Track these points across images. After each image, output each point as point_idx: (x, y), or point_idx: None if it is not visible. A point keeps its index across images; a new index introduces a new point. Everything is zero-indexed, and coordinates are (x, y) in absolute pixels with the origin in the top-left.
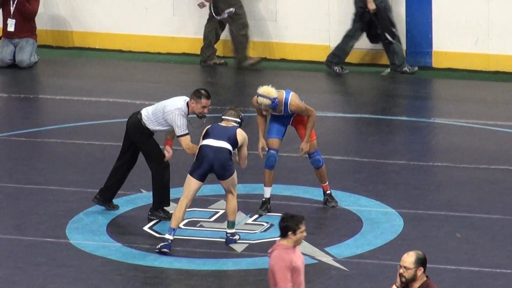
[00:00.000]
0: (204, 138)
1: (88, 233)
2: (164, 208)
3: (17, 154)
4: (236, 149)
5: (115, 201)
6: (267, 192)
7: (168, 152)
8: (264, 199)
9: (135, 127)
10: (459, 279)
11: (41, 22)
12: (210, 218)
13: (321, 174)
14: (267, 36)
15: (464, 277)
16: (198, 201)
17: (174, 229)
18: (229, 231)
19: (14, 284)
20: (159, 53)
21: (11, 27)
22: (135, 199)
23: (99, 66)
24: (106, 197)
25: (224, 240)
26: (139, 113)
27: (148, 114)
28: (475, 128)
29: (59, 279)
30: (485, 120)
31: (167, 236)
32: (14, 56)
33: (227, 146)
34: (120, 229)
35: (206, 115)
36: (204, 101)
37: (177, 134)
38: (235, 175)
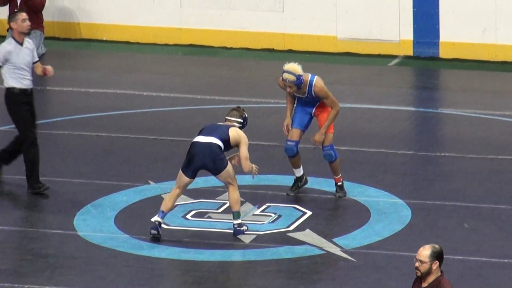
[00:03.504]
0: (197, 135)
1: (96, 225)
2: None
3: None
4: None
5: (123, 193)
6: (296, 172)
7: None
8: (295, 178)
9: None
10: (467, 269)
11: (48, 14)
12: (218, 209)
13: (334, 168)
14: (274, 27)
15: (472, 267)
16: (206, 192)
17: (163, 211)
18: (235, 222)
19: (22, 276)
20: (166, 45)
21: None
22: (142, 190)
23: (106, 58)
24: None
25: (232, 231)
26: None
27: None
28: (483, 118)
29: (67, 270)
30: (493, 110)
31: (155, 218)
32: None
33: (216, 141)
34: (128, 221)
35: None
36: (19, 15)
37: None
38: (229, 167)
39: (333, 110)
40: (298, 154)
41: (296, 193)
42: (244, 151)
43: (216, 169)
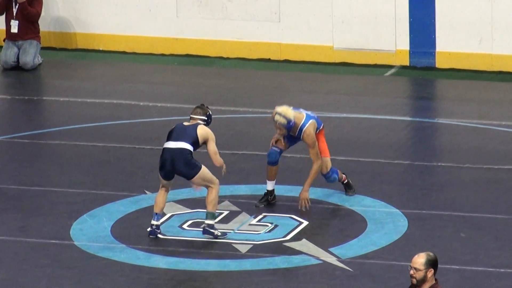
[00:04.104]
0: (166, 139)
1: (92, 235)
2: None
3: (21, 156)
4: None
5: (119, 202)
6: (269, 185)
7: None
8: (265, 192)
9: None
10: (463, 279)
11: (45, 24)
12: None
13: (339, 179)
14: (270, 37)
15: (468, 277)
16: (202, 202)
17: (157, 214)
18: (206, 221)
19: (19, 285)
20: (162, 55)
21: (14, 29)
22: (139, 200)
23: (103, 68)
24: None
25: (229, 240)
26: None
27: None
28: (479, 128)
29: (63, 280)
30: (489, 120)
31: (152, 222)
32: (18, 58)
33: (186, 146)
34: (124, 231)
35: None
36: None
37: None
38: (203, 171)
39: (314, 164)
40: (277, 165)
41: (265, 205)
42: (212, 147)
43: (188, 175)
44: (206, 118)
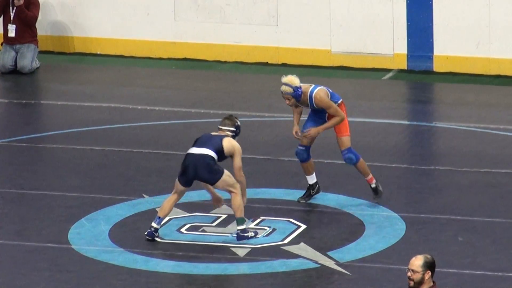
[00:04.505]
0: (191, 146)
1: (90, 238)
2: None
3: (19, 160)
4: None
5: (117, 206)
6: (309, 179)
7: None
8: (308, 186)
9: None
10: (461, 282)
11: (42, 28)
12: (212, 223)
13: (359, 169)
14: (268, 41)
15: (466, 281)
16: (200, 206)
17: (159, 217)
18: (238, 227)
19: None
20: (160, 58)
21: (11, 33)
22: (137, 204)
23: (101, 72)
24: None
25: (227, 244)
26: None
27: None
28: (477, 132)
29: (61, 284)
30: (487, 124)
31: (152, 224)
32: (15, 61)
33: (209, 152)
34: (122, 234)
35: None
36: None
37: None
38: (225, 175)
39: (335, 117)
40: (310, 160)
41: (307, 201)
42: (237, 162)
43: (212, 179)
44: (234, 129)
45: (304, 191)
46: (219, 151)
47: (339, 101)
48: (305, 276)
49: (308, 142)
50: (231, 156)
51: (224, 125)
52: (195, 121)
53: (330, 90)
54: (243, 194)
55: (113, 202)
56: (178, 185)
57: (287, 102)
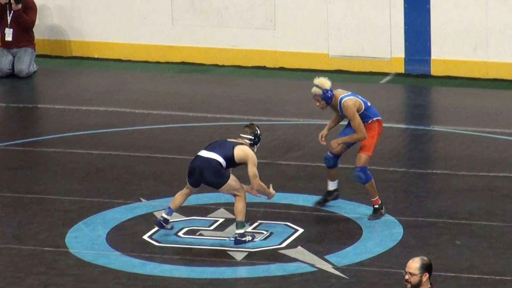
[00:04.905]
0: (203, 148)
1: (88, 242)
2: None
3: (16, 164)
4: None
5: (114, 210)
6: (329, 185)
7: None
8: (326, 192)
9: None
10: (458, 286)
11: (39, 31)
12: (209, 226)
13: (367, 189)
14: (266, 45)
15: (463, 285)
16: (197, 210)
17: (170, 208)
18: (237, 231)
19: None
20: (158, 62)
21: (9, 37)
22: (134, 207)
23: (98, 76)
24: None
25: (225, 248)
26: None
27: None
28: (474, 136)
29: None
30: (484, 127)
31: (162, 214)
32: (12, 65)
33: (217, 158)
34: (120, 238)
35: None
36: None
37: None
38: (231, 181)
39: (356, 134)
40: (335, 168)
41: (322, 206)
42: (251, 170)
43: (216, 184)
44: (252, 138)
45: (300, 195)
46: (229, 158)
47: (375, 118)
48: (302, 280)
49: (338, 151)
50: (245, 163)
51: (244, 133)
52: (192, 125)
53: (369, 104)
54: (265, 192)
55: (111, 206)
56: (188, 186)
57: (317, 104)
